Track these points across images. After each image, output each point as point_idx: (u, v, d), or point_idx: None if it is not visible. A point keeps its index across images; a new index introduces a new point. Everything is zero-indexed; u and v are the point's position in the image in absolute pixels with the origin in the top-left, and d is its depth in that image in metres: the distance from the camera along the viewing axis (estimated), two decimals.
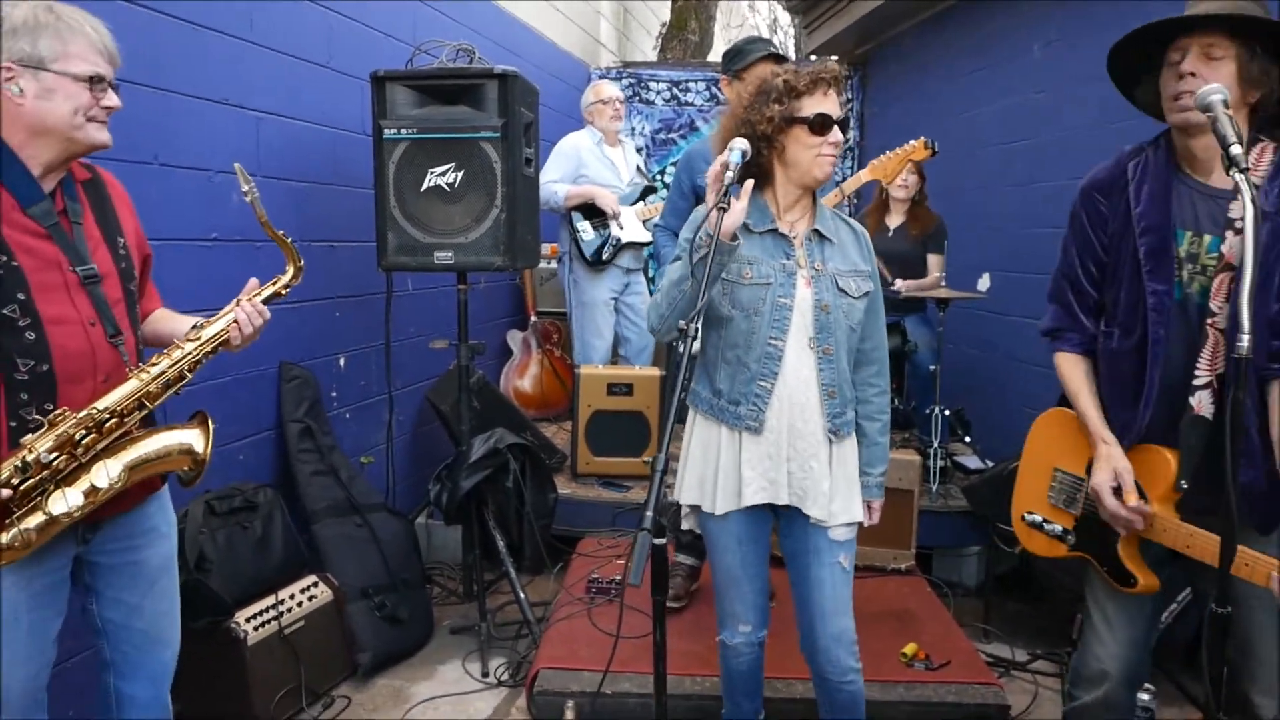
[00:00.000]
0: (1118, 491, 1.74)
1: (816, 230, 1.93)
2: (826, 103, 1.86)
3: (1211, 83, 1.54)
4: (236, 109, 2.85)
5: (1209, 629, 1.41)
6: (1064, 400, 1.93)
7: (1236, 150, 1.41)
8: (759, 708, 2.22)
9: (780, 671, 2.42)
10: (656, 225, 3.13)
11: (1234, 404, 1.35)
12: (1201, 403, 1.66)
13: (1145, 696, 2.26)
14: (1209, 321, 1.65)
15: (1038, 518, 1.99)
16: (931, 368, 3.85)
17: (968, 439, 4.22)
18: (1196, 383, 1.66)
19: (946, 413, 3.73)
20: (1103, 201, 1.79)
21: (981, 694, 2.54)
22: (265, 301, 1.82)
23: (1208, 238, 1.67)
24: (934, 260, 4.20)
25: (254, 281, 1.83)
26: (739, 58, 2.89)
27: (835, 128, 1.84)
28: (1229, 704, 1.71)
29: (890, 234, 4.27)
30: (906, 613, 3.05)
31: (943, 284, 3.90)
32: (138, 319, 1.76)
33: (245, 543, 2.72)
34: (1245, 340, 1.34)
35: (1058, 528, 1.94)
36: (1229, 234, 1.63)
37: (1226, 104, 1.48)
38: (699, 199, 2.87)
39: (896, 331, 4.09)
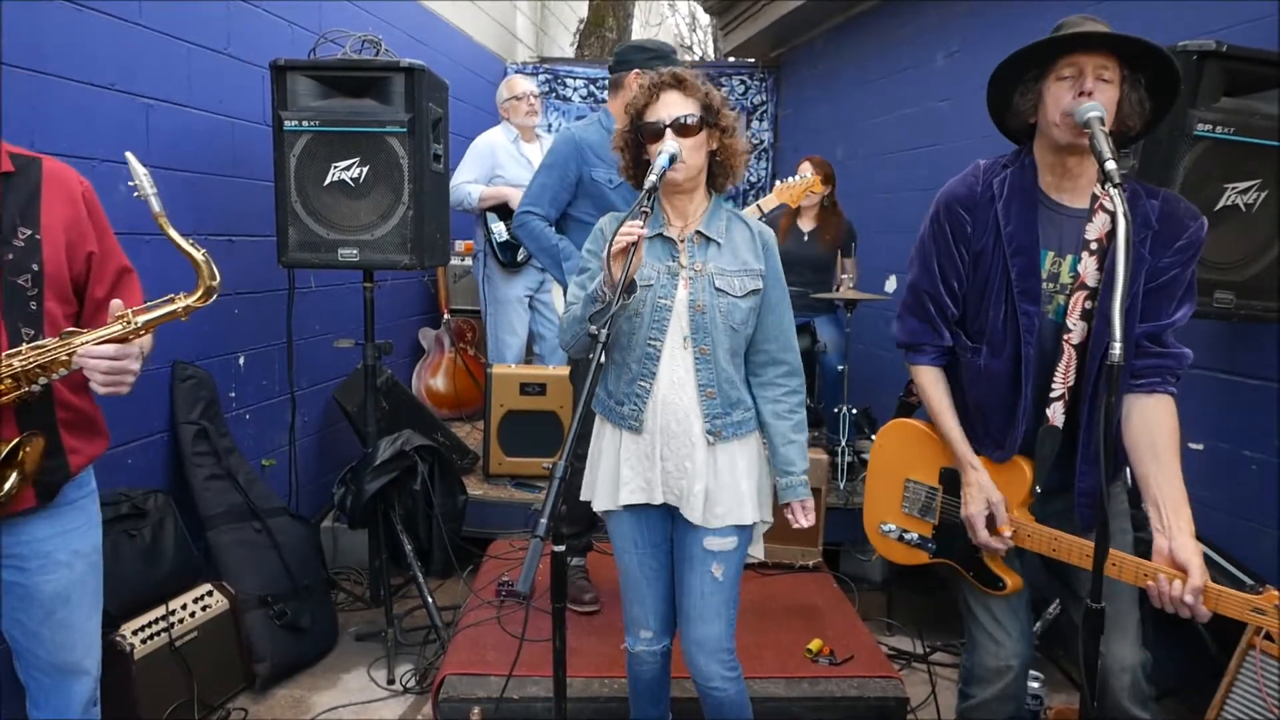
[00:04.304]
0: (990, 520, 1.81)
1: (699, 231, 1.92)
2: (661, 108, 1.86)
3: (1108, 105, 1.60)
4: (123, 94, 2.71)
5: (1084, 623, 1.47)
6: (902, 409, 1.98)
7: (1111, 166, 1.47)
8: (665, 713, 2.23)
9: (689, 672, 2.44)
10: (529, 211, 2.88)
11: (1107, 408, 1.42)
12: (1055, 414, 1.75)
13: (1035, 685, 2.36)
14: (1065, 338, 1.72)
15: (893, 527, 2.05)
16: (840, 367, 3.94)
17: (874, 437, 4.33)
18: (1052, 395, 1.75)
19: (854, 411, 3.82)
20: (966, 217, 1.80)
21: (882, 687, 2.61)
22: (154, 323, 1.65)
23: (1069, 257, 1.73)
24: (848, 263, 4.31)
25: (116, 303, 1.63)
26: (664, 62, 2.78)
27: (667, 131, 1.83)
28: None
29: (805, 238, 4.35)
30: (813, 608, 3.11)
31: (852, 285, 3.99)
32: (30, 316, 1.61)
33: (132, 551, 2.60)
34: (1117, 348, 1.40)
35: (916, 536, 2.01)
36: (1084, 254, 1.70)
37: (1103, 121, 1.55)
38: (580, 190, 2.84)
39: (806, 332, 4.17)
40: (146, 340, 1.73)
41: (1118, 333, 1.39)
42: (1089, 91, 1.60)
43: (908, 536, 2.02)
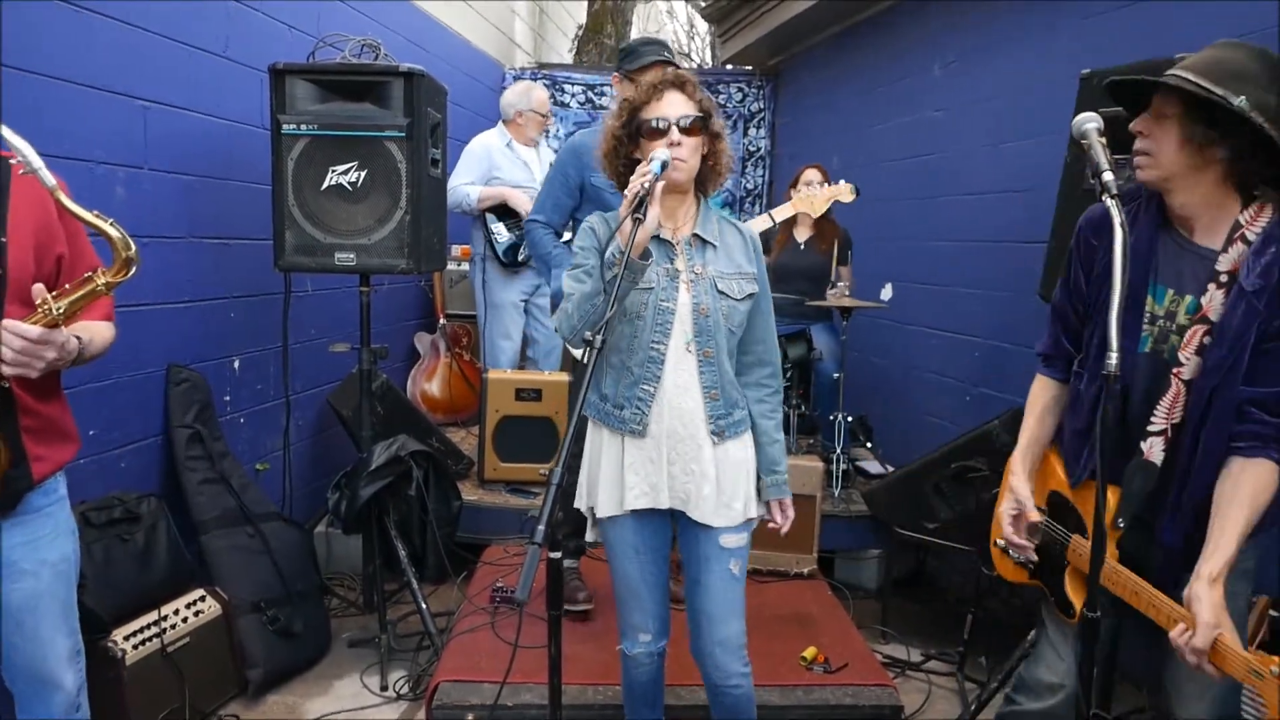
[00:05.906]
0: (1016, 520, 1.85)
1: (696, 234, 1.93)
2: (665, 106, 1.86)
3: (1161, 144, 1.58)
4: (122, 97, 2.70)
5: (1081, 631, 1.47)
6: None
7: (1108, 177, 1.47)
8: (659, 717, 2.22)
9: (683, 679, 2.43)
10: (533, 220, 2.94)
11: (1103, 417, 1.42)
12: (1153, 449, 1.67)
13: None
14: (1175, 371, 1.64)
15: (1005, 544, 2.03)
16: (835, 375, 3.94)
17: (869, 444, 4.34)
18: (1151, 429, 1.67)
19: (849, 419, 3.82)
20: (1095, 242, 1.75)
21: (876, 695, 2.60)
22: (77, 304, 1.57)
23: (1188, 298, 1.64)
24: (844, 271, 4.32)
25: (38, 288, 1.54)
26: (632, 58, 2.85)
27: (673, 128, 1.84)
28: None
29: (801, 247, 4.35)
30: (807, 616, 3.10)
31: (848, 293, 3.99)
32: None
33: (125, 556, 2.58)
34: (1113, 358, 1.40)
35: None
36: (1211, 287, 1.60)
37: (1101, 131, 1.54)
38: (584, 196, 2.84)
39: (802, 339, 4.17)
40: (97, 340, 1.69)
41: (1114, 342, 1.39)
42: (1140, 131, 1.62)
43: (1014, 554, 2.01)
